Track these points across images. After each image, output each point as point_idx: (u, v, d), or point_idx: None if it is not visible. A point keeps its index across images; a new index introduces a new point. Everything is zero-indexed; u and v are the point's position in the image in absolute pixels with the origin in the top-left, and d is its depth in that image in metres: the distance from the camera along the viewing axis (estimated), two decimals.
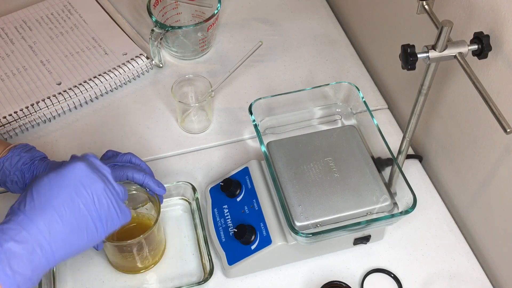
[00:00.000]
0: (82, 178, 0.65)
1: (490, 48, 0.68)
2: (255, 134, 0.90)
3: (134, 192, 0.82)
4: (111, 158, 0.83)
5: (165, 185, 0.88)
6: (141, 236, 0.77)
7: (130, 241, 0.78)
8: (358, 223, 0.77)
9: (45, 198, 0.63)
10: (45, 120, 1.02)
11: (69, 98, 1.02)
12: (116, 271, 0.84)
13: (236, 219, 0.84)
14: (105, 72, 1.05)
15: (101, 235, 0.66)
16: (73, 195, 0.64)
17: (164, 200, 0.90)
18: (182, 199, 0.91)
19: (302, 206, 0.79)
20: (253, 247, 0.81)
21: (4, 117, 0.98)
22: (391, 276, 0.84)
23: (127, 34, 1.13)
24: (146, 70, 1.09)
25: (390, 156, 0.81)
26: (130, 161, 0.82)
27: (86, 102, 1.05)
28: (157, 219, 0.79)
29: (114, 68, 1.06)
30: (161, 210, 0.89)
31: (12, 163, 0.80)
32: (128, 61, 1.07)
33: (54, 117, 1.02)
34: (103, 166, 0.68)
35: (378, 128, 0.84)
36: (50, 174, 0.65)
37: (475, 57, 0.70)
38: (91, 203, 0.64)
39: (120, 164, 0.79)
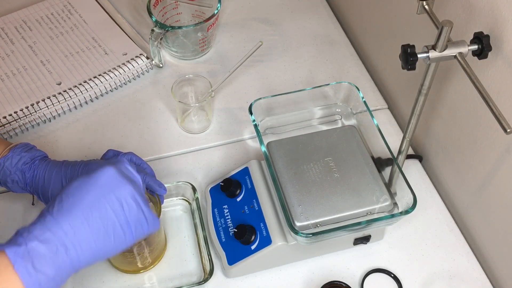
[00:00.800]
0: (111, 181, 0.64)
1: (490, 48, 0.68)
2: (255, 134, 0.90)
3: None
4: (112, 158, 0.83)
5: (165, 185, 0.88)
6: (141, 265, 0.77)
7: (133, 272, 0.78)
8: (358, 223, 0.77)
9: (73, 200, 0.62)
10: (45, 120, 1.02)
11: (69, 98, 1.02)
12: (116, 271, 0.84)
13: (236, 219, 0.84)
14: (105, 72, 1.05)
15: (129, 240, 0.65)
16: (101, 199, 0.63)
17: (164, 200, 0.90)
18: (182, 199, 0.91)
19: (302, 206, 0.79)
20: (253, 247, 0.81)
21: (4, 117, 0.98)
22: (391, 276, 0.84)
23: (127, 34, 1.13)
24: (146, 70, 1.09)
25: (390, 156, 0.81)
26: (131, 161, 0.82)
27: (86, 102, 1.05)
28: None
29: (114, 68, 1.06)
30: (162, 210, 0.89)
31: (13, 162, 0.80)
32: (128, 61, 1.07)
33: (54, 117, 1.02)
34: (134, 174, 0.68)
35: (378, 128, 0.84)
36: (80, 178, 0.65)
37: (475, 57, 0.70)
38: (119, 207, 0.64)
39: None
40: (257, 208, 0.84)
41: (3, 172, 0.80)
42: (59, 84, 1.04)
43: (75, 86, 1.03)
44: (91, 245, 0.62)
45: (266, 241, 0.80)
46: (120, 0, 1.21)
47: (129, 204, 0.65)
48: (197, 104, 0.99)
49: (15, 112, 0.99)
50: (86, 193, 0.63)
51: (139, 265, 0.83)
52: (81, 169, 0.79)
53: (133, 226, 0.65)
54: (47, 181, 0.80)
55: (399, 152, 0.84)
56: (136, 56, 1.08)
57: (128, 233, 0.65)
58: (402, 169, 0.81)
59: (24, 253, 0.58)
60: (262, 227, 0.81)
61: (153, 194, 0.81)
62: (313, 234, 0.75)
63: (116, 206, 0.64)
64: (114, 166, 0.66)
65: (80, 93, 1.03)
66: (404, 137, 0.82)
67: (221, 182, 0.87)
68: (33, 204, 0.89)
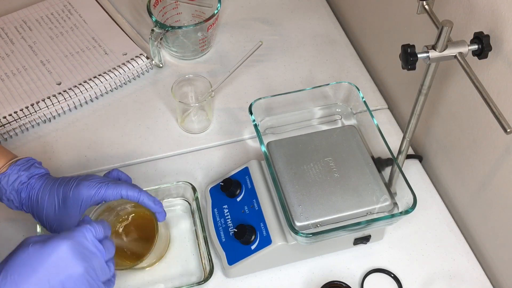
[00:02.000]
0: (61, 262, 0.61)
1: (490, 48, 0.68)
2: (255, 134, 0.90)
3: (114, 218, 0.81)
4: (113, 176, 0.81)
5: (165, 185, 0.89)
6: (142, 262, 0.76)
7: (139, 264, 0.77)
8: (358, 223, 0.77)
9: (18, 279, 0.60)
10: (45, 120, 1.02)
11: (69, 98, 1.02)
12: (117, 273, 0.84)
13: (236, 219, 0.84)
14: (105, 72, 1.05)
15: None
16: (45, 281, 0.60)
17: (164, 200, 0.90)
18: (182, 199, 0.91)
19: (302, 206, 0.79)
20: (253, 247, 0.81)
21: (4, 117, 0.98)
22: (391, 276, 0.84)
23: (127, 34, 1.13)
24: (146, 70, 1.09)
25: (390, 156, 0.81)
26: (119, 178, 0.80)
27: (86, 102, 1.05)
28: (155, 238, 0.78)
29: (114, 68, 1.06)
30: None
31: (9, 181, 0.78)
32: (128, 61, 1.07)
33: (54, 117, 1.02)
34: (96, 244, 0.64)
35: (378, 128, 0.84)
36: (34, 247, 0.61)
37: (475, 57, 0.70)
38: None
39: (115, 183, 0.77)
40: (257, 208, 0.84)
41: (0, 190, 0.79)
42: (59, 84, 1.04)
43: (75, 86, 1.03)
44: None
45: (266, 241, 0.80)
46: (120, 0, 1.21)
47: (75, 286, 0.61)
48: (197, 104, 0.99)
49: (15, 112, 0.99)
50: (33, 270, 0.60)
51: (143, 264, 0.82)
52: (73, 190, 0.77)
53: None
54: (41, 202, 0.78)
55: (399, 152, 0.84)
56: (136, 56, 1.08)
57: None
58: (402, 169, 0.81)
59: None
60: (262, 227, 0.81)
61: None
62: (313, 234, 0.75)
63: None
64: (71, 240, 0.62)
65: (80, 93, 1.03)
66: (404, 137, 0.82)
67: (221, 182, 0.87)
68: None
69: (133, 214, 0.82)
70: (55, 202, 0.78)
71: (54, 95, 1.02)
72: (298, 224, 0.78)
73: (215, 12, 1.06)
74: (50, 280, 0.61)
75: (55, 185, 0.78)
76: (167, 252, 0.86)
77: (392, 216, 0.78)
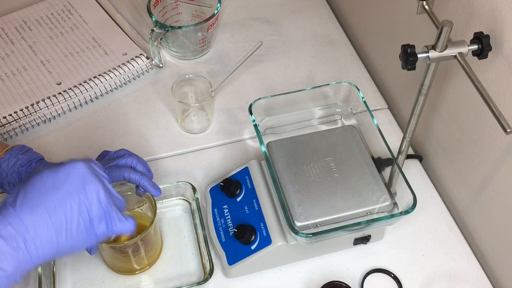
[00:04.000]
0: (79, 178, 0.63)
1: (490, 48, 0.68)
2: (255, 134, 0.90)
3: (130, 193, 0.82)
4: (105, 157, 0.82)
5: (165, 185, 0.88)
6: (138, 237, 0.77)
7: (125, 242, 0.78)
8: (358, 223, 0.77)
9: (38, 195, 0.61)
10: (45, 120, 1.02)
11: (69, 98, 1.02)
12: (115, 272, 0.84)
13: (236, 219, 0.84)
14: (105, 72, 1.05)
15: (92, 239, 0.65)
16: (67, 195, 0.62)
17: (164, 200, 0.90)
18: (182, 199, 0.91)
19: (302, 206, 0.79)
20: (253, 247, 0.81)
21: (4, 117, 0.98)
22: (391, 276, 0.84)
23: (127, 34, 1.13)
24: (146, 70, 1.09)
25: (390, 156, 0.81)
26: (124, 154, 0.81)
27: (86, 102, 1.05)
28: (153, 220, 0.78)
29: (114, 68, 1.06)
30: (162, 210, 0.89)
31: (9, 165, 0.80)
32: (128, 61, 1.07)
33: (54, 117, 1.02)
34: (102, 174, 0.67)
35: (378, 128, 0.84)
36: (46, 171, 0.64)
37: (475, 57, 0.70)
38: (84, 204, 0.63)
39: (115, 165, 0.79)
40: (257, 208, 0.84)
41: (0, 175, 0.80)
42: (59, 84, 1.04)
43: (75, 86, 1.03)
44: (52, 242, 0.62)
45: (266, 241, 0.80)
46: (120, 0, 1.21)
47: (95, 202, 0.64)
48: (197, 104, 0.99)
49: (15, 112, 0.99)
50: (52, 188, 0.62)
51: (136, 266, 0.83)
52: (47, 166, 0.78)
53: (97, 224, 0.64)
54: None
55: (399, 152, 0.84)
56: (136, 56, 1.08)
57: (90, 232, 0.64)
58: (402, 169, 0.81)
59: None
60: (262, 227, 0.81)
61: (143, 192, 0.80)
62: (313, 234, 0.75)
63: (82, 204, 0.63)
64: (84, 162, 0.65)
65: (80, 93, 1.03)
66: (404, 137, 0.82)
67: (221, 182, 0.87)
68: None
69: None
70: None
71: (54, 95, 1.02)
72: (298, 224, 0.78)
73: (215, 12, 1.06)
74: (72, 192, 0.62)
75: None
76: (165, 252, 0.86)
77: (392, 216, 0.78)
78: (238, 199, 0.86)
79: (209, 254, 0.83)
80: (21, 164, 0.80)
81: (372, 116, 0.85)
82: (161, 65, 1.10)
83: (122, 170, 0.77)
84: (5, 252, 0.58)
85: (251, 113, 0.86)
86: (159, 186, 0.82)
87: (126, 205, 0.81)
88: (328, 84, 0.90)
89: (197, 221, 0.87)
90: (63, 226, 0.62)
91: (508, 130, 0.61)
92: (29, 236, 0.60)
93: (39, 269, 0.80)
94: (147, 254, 0.82)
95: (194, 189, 0.89)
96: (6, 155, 0.80)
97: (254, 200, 0.84)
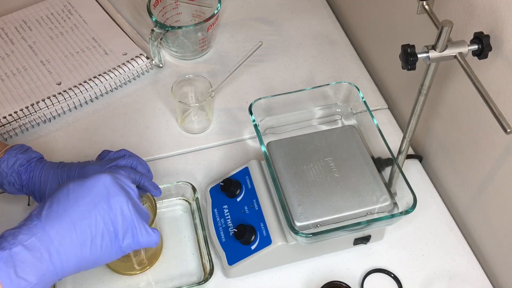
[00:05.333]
0: (104, 190, 0.63)
1: (490, 48, 0.68)
2: (255, 134, 0.90)
3: None
4: (106, 157, 0.82)
5: (165, 185, 0.88)
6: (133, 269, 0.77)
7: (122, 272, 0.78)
8: (358, 223, 0.77)
9: (63, 207, 0.62)
10: (45, 120, 1.02)
11: (69, 98, 1.02)
12: (115, 272, 0.84)
13: (236, 219, 0.84)
14: (105, 72, 1.05)
15: (117, 252, 0.65)
16: (93, 207, 0.62)
17: (164, 200, 0.90)
18: (182, 199, 0.91)
19: (302, 206, 0.79)
20: (253, 247, 0.81)
21: (4, 117, 0.98)
22: (391, 276, 0.84)
23: (127, 34, 1.13)
24: (146, 70, 1.09)
25: (390, 156, 0.81)
26: (124, 155, 0.81)
27: (86, 102, 1.05)
28: (153, 220, 0.78)
29: (114, 68, 1.06)
30: (162, 210, 0.89)
31: (9, 164, 0.80)
32: (128, 61, 1.07)
33: (54, 117, 1.02)
34: (130, 185, 0.67)
35: (378, 128, 0.84)
36: (72, 183, 0.64)
37: (475, 57, 0.70)
38: (109, 217, 0.63)
39: (115, 165, 0.79)
40: (257, 208, 0.84)
41: None
42: (59, 84, 1.04)
43: (75, 86, 1.03)
44: (76, 254, 0.61)
45: (266, 241, 0.80)
46: (120, 0, 1.21)
47: (119, 215, 0.63)
48: (197, 104, 0.99)
49: (15, 112, 0.99)
50: (78, 200, 0.62)
51: (136, 266, 0.83)
52: (77, 173, 0.79)
53: (122, 238, 0.64)
54: (44, 183, 0.80)
55: (399, 152, 0.84)
56: (136, 56, 1.08)
57: (115, 245, 0.64)
58: (402, 169, 0.81)
59: (8, 258, 0.57)
60: (262, 227, 0.81)
61: (145, 193, 0.80)
62: (313, 234, 0.75)
63: (106, 216, 0.63)
64: (110, 174, 0.65)
65: (80, 93, 1.03)
66: (404, 137, 0.82)
67: (221, 182, 0.87)
68: (28, 204, 0.89)
69: None
70: (59, 184, 0.79)
71: (54, 95, 1.02)
72: (298, 224, 0.78)
73: (215, 12, 1.06)
74: (97, 205, 0.62)
75: (58, 168, 0.80)
76: (165, 252, 0.86)
77: (392, 216, 0.78)
78: (238, 199, 0.86)
79: (209, 254, 0.83)
80: (20, 163, 0.80)
81: (372, 116, 0.85)
82: (161, 65, 1.10)
83: (122, 171, 0.77)
84: (29, 263, 0.58)
85: (251, 113, 0.86)
86: (159, 186, 0.82)
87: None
88: (328, 84, 0.90)
89: (197, 221, 0.87)
90: (88, 238, 0.62)
91: (508, 130, 0.61)
92: (53, 247, 0.60)
93: None
94: (147, 254, 0.82)
95: (194, 189, 0.89)
96: (5, 154, 0.80)
97: (254, 200, 0.84)
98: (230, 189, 0.86)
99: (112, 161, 0.80)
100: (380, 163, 0.84)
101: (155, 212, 0.79)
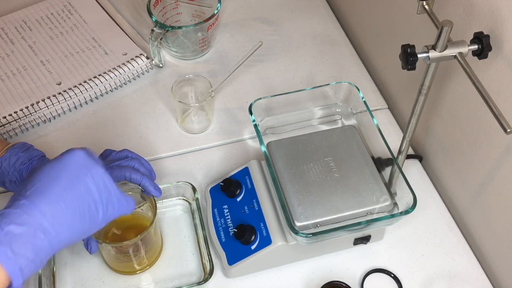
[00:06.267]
0: (83, 162, 0.65)
1: (490, 48, 0.68)
2: (255, 134, 0.90)
3: (130, 193, 0.82)
4: (108, 156, 0.83)
5: (165, 185, 0.89)
6: (138, 236, 0.77)
7: (126, 242, 0.78)
8: (358, 223, 0.77)
9: (47, 182, 0.62)
10: (45, 120, 1.02)
11: (69, 98, 1.02)
12: (117, 273, 0.84)
13: (236, 219, 0.84)
14: (105, 72, 1.05)
15: (103, 220, 0.66)
16: (74, 179, 0.63)
17: (164, 200, 0.90)
18: (182, 199, 0.91)
19: (302, 206, 0.79)
20: (253, 247, 0.81)
21: (4, 117, 0.98)
22: (391, 276, 0.84)
23: (127, 34, 1.13)
24: (146, 70, 1.09)
25: (390, 156, 0.81)
26: (126, 156, 0.82)
27: (86, 102, 1.05)
28: (153, 220, 0.78)
29: (114, 68, 1.06)
30: (162, 210, 0.89)
31: (10, 163, 0.80)
32: (128, 61, 1.07)
33: (54, 117, 1.02)
34: (98, 159, 0.68)
35: (378, 128, 0.84)
36: (48, 162, 0.65)
37: (475, 57, 0.70)
38: (93, 187, 0.64)
39: (117, 165, 0.79)
40: (257, 208, 0.84)
41: (1, 173, 0.80)
42: (59, 84, 1.04)
43: (75, 86, 1.03)
44: (68, 225, 0.62)
45: (266, 241, 0.80)
46: (120, 0, 1.21)
47: (101, 184, 0.65)
48: (197, 104, 0.99)
49: (15, 112, 0.99)
50: (59, 174, 0.63)
51: (136, 266, 0.83)
52: None
53: (105, 204, 0.65)
54: None
55: (399, 152, 0.84)
56: (136, 56, 1.08)
57: (101, 213, 0.65)
58: (402, 169, 0.81)
59: (1, 237, 0.57)
60: (262, 227, 0.81)
61: (149, 195, 0.81)
62: (313, 234, 0.75)
63: (90, 186, 0.64)
64: (82, 149, 0.66)
65: (80, 93, 1.03)
66: (404, 137, 0.82)
67: (221, 182, 0.87)
68: None
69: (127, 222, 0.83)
70: None
71: (54, 95, 1.02)
72: (298, 224, 0.78)
73: (215, 12, 1.06)
74: (79, 176, 0.63)
75: None
76: (165, 253, 0.86)
77: (392, 216, 0.78)
78: (238, 199, 0.86)
79: (209, 254, 0.83)
80: (22, 162, 0.80)
81: (372, 116, 0.85)
82: (161, 65, 1.10)
83: (124, 170, 0.78)
84: (25, 239, 0.59)
85: (251, 113, 0.86)
86: (159, 186, 0.82)
87: None
88: (328, 84, 0.90)
89: (197, 221, 0.87)
90: (77, 209, 0.63)
91: (508, 130, 0.61)
92: (46, 221, 0.60)
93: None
94: (147, 254, 0.83)
95: (194, 189, 0.89)
96: (7, 153, 0.80)
97: (254, 200, 0.84)
98: (230, 189, 0.86)
99: (114, 161, 0.80)
100: (380, 163, 0.84)
101: (155, 212, 0.79)
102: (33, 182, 0.62)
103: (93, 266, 0.85)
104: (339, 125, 0.92)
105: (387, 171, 0.83)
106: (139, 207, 0.84)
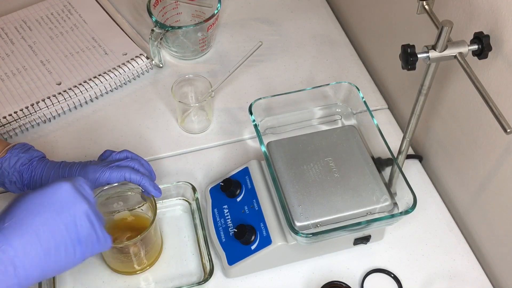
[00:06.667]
0: (66, 198, 0.63)
1: (490, 48, 0.68)
2: (255, 134, 0.90)
3: (130, 193, 0.82)
4: (108, 157, 0.82)
5: (165, 185, 0.89)
6: (138, 237, 0.77)
7: (126, 243, 0.78)
8: (358, 223, 0.77)
9: (25, 216, 0.61)
10: (45, 120, 1.02)
11: (69, 98, 1.02)
12: (117, 273, 0.84)
13: (236, 219, 0.84)
14: (105, 72, 1.05)
15: (79, 259, 0.65)
16: (55, 216, 0.62)
17: (164, 200, 0.90)
18: (182, 199, 0.91)
19: (302, 206, 0.79)
20: (253, 247, 0.81)
21: (4, 117, 0.98)
22: (391, 276, 0.84)
23: (127, 34, 1.13)
24: (146, 70, 1.09)
25: (390, 156, 0.81)
26: (126, 157, 0.81)
27: (86, 102, 1.05)
28: (153, 220, 0.78)
29: (114, 68, 1.06)
30: (162, 210, 0.89)
31: (11, 164, 0.80)
32: (128, 61, 1.07)
33: (54, 117, 1.02)
34: (89, 192, 0.67)
35: (378, 128, 0.84)
36: (32, 193, 0.63)
37: (475, 57, 0.70)
38: (73, 225, 0.63)
39: (117, 165, 0.79)
40: (257, 208, 0.84)
41: (1, 173, 0.80)
42: (59, 84, 1.04)
43: (75, 86, 1.03)
44: (41, 263, 0.61)
45: (266, 241, 0.80)
46: (120, 0, 1.21)
47: (82, 222, 0.63)
48: (197, 104, 0.99)
49: (15, 112, 0.99)
50: (39, 209, 0.62)
51: (136, 266, 0.83)
52: (78, 172, 0.79)
53: (84, 244, 0.64)
54: (45, 182, 0.80)
55: (399, 152, 0.84)
56: (136, 56, 1.08)
57: (78, 252, 0.64)
58: (402, 169, 0.81)
59: None
60: (262, 227, 0.81)
61: (149, 195, 0.81)
62: (313, 234, 0.75)
63: (70, 224, 0.62)
64: (70, 182, 0.64)
65: (80, 93, 1.03)
66: (404, 137, 0.82)
67: (221, 182, 0.87)
68: None
69: (127, 218, 0.83)
70: None
71: (54, 95, 1.02)
72: (298, 224, 0.78)
73: (215, 12, 1.06)
74: (60, 213, 0.62)
75: (59, 167, 0.80)
76: (165, 253, 0.86)
77: (392, 216, 0.78)
78: (238, 199, 0.86)
79: (209, 254, 0.83)
80: (22, 163, 0.80)
81: (372, 116, 0.85)
82: (161, 65, 1.10)
83: (123, 171, 0.78)
84: None
85: (251, 113, 0.86)
86: (159, 186, 0.82)
87: (128, 205, 0.82)
88: (328, 84, 0.90)
89: (197, 221, 0.87)
90: (52, 248, 0.62)
91: (508, 130, 0.61)
92: (18, 259, 0.59)
93: None
94: (147, 254, 0.83)
95: (194, 189, 0.89)
96: (8, 153, 0.80)
97: (254, 200, 0.84)
98: (230, 189, 0.86)
99: (114, 162, 0.80)
100: (380, 163, 0.84)
101: (155, 212, 0.79)
102: (12, 213, 0.61)
103: (93, 266, 0.85)
104: (339, 125, 0.92)
105: (387, 171, 0.83)
106: (139, 207, 0.84)
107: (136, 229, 0.81)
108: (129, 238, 0.78)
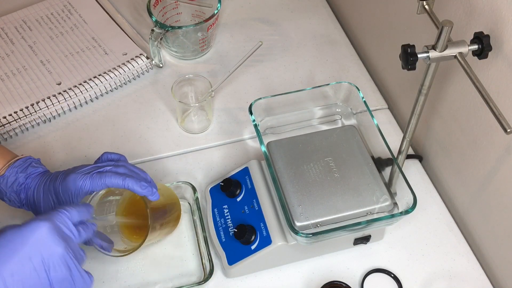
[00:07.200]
0: (41, 241, 0.61)
1: (490, 48, 0.68)
2: (255, 134, 0.90)
3: (118, 197, 0.80)
4: (105, 160, 0.81)
5: (166, 185, 0.88)
6: (138, 244, 0.75)
7: (133, 247, 0.76)
8: (358, 223, 0.77)
9: None
10: (45, 120, 1.02)
11: (69, 98, 1.02)
12: (116, 271, 0.84)
13: (236, 219, 0.84)
14: (105, 72, 1.05)
15: None
16: (27, 260, 0.60)
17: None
18: (182, 199, 0.91)
19: (302, 206, 0.79)
20: (253, 247, 0.81)
21: (4, 117, 0.98)
22: (391, 276, 0.84)
23: (127, 34, 1.13)
24: (146, 70, 1.09)
25: (390, 156, 0.81)
26: (108, 159, 0.80)
27: (86, 102, 1.05)
28: (148, 222, 0.76)
29: (114, 68, 1.06)
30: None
31: (8, 184, 0.80)
32: (128, 61, 1.07)
33: (54, 117, 1.02)
34: (71, 229, 0.65)
35: (378, 128, 0.84)
36: (10, 232, 0.61)
37: (475, 57, 0.70)
38: (45, 270, 0.61)
39: (97, 172, 0.76)
40: (257, 208, 0.84)
41: (0, 191, 0.80)
42: (59, 84, 1.04)
43: (75, 86, 1.03)
44: None
45: (266, 241, 0.80)
46: (120, 0, 1.21)
47: (57, 267, 0.61)
48: (197, 104, 0.99)
49: (15, 112, 0.99)
50: (12, 252, 0.60)
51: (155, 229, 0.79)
52: (60, 186, 0.77)
53: (59, 286, 0.62)
54: (38, 201, 0.79)
55: (399, 152, 0.84)
56: (136, 56, 1.08)
57: None
58: (402, 169, 0.81)
59: None
60: (262, 227, 0.81)
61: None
62: (313, 234, 0.75)
63: (41, 268, 0.60)
64: (49, 222, 0.62)
65: (80, 93, 1.03)
66: (404, 137, 0.82)
67: (221, 182, 0.87)
68: None
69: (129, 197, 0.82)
70: (50, 199, 0.78)
71: (54, 95, 1.02)
72: (298, 224, 0.78)
73: (215, 12, 1.06)
74: (32, 258, 0.60)
75: (47, 183, 0.79)
76: (165, 252, 0.86)
77: (392, 216, 0.78)
78: (238, 199, 0.86)
79: (209, 254, 0.83)
80: (19, 183, 0.80)
81: (372, 116, 0.85)
82: (161, 65, 1.10)
83: (103, 177, 0.75)
84: None
85: (251, 113, 0.86)
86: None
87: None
88: (328, 84, 0.90)
89: (197, 221, 0.87)
90: None
91: (508, 130, 0.61)
92: None
93: None
94: (165, 224, 0.81)
95: (194, 189, 0.89)
96: (6, 172, 0.80)
97: (254, 200, 0.84)
98: (230, 189, 0.86)
99: (96, 169, 0.77)
100: (380, 163, 0.84)
101: (148, 214, 0.76)
102: None
103: (93, 266, 0.85)
104: (339, 125, 0.92)
105: (387, 171, 0.83)
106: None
107: (135, 203, 0.79)
108: (131, 213, 0.76)
